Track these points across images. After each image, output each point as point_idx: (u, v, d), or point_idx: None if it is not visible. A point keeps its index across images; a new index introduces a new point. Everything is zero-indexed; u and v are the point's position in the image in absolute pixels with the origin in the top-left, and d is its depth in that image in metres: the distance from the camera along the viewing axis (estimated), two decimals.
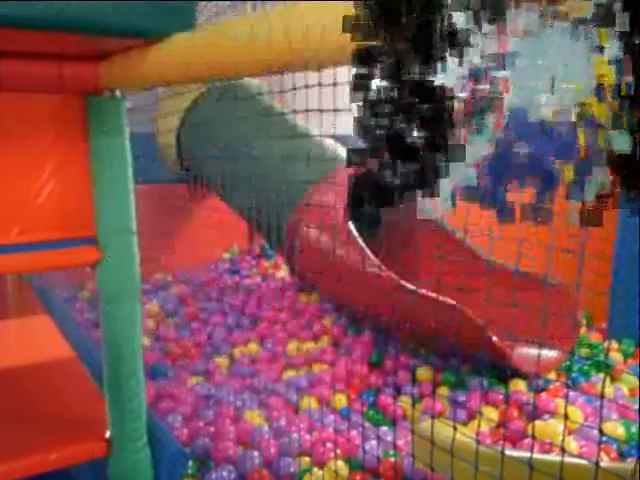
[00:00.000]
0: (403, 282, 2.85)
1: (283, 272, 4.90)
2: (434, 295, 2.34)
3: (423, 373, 3.12)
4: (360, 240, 3.26)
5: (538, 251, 1.15)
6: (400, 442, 2.46)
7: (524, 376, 2.91)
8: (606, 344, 3.47)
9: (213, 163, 3.87)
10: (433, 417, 1.54)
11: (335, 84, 1.29)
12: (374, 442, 2.45)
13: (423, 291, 2.52)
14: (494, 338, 2.70)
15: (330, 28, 0.97)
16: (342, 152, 3.91)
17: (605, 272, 3.45)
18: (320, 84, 1.31)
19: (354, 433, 2.54)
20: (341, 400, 2.88)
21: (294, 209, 3.57)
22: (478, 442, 1.36)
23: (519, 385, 2.90)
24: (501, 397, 2.82)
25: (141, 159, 2.62)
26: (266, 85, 4.38)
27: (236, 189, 3.94)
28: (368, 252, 3.22)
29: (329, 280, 2.84)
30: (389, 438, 2.47)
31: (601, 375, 3.08)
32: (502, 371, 2.92)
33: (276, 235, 3.79)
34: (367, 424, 2.67)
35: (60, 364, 2.46)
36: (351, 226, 3.37)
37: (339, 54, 1.01)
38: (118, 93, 1.77)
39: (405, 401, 2.83)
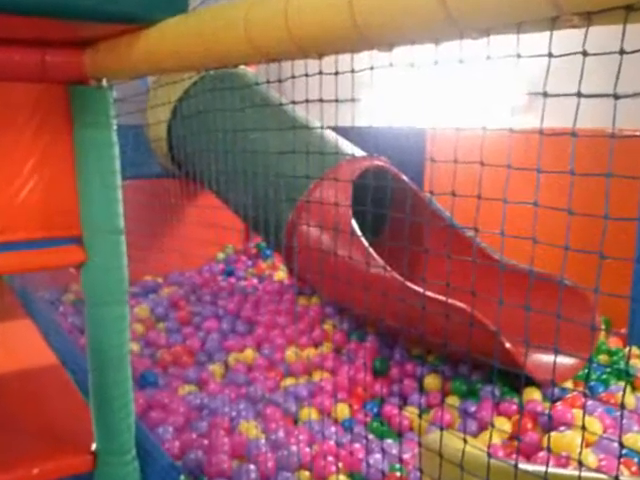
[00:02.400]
0: (409, 284, 2.85)
1: (282, 273, 4.90)
2: (442, 298, 2.34)
3: (431, 381, 3.12)
4: (364, 239, 3.26)
5: (553, 251, 1.15)
6: (406, 456, 2.46)
7: (539, 385, 2.91)
8: (626, 350, 3.46)
9: (207, 157, 3.87)
10: (442, 429, 1.54)
11: (337, 73, 1.29)
12: (378, 455, 2.45)
13: (430, 293, 2.52)
14: (507, 344, 2.70)
15: (332, 13, 0.97)
16: (344, 145, 3.91)
17: (625, 274, 3.45)
18: (321, 72, 1.31)
19: (357, 446, 2.54)
20: (343, 411, 2.87)
21: (294, 206, 3.57)
22: (490, 455, 1.36)
23: (534, 394, 2.90)
24: (514, 407, 2.82)
25: (129, 153, 2.63)
26: (263, 74, 4.38)
27: (232, 185, 3.94)
28: (372, 252, 3.22)
29: (330, 282, 2.83)
30: (394, 451, 2.47)
31: (621, 384, 3.07)
32: (515, 379, 2.92)
33: (274, 234, 3.79)
34: (371, 436, 2.68)
35: (43, 372, 2.46)
36: (354, 225, 3.37)
37: (342, 41, 1.01)
38: (104, 82, 1.78)
39: (412, 411, 2.83)
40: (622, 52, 0.92)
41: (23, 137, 1.75)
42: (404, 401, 3.04)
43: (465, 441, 1.44)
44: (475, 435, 2.67)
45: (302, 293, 4.26)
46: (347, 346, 3.51)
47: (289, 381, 3.20)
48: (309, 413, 2.80)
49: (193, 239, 3.90)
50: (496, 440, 2.58)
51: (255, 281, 4.84)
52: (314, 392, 3.06)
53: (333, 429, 2.68)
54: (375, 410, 2.96)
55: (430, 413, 2.86)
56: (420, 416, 1.85)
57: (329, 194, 3.33)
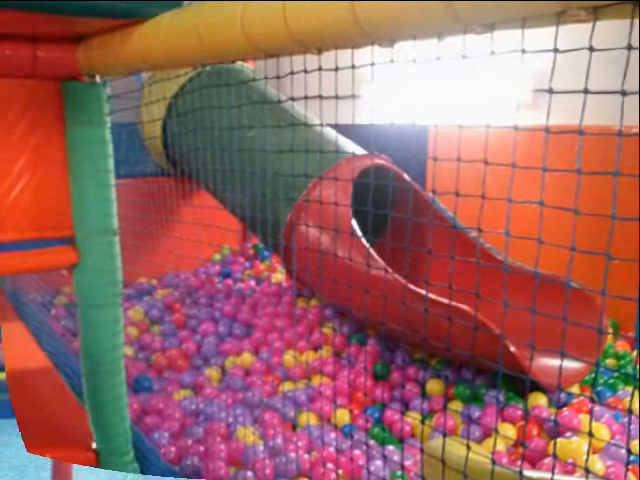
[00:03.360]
0: (411, 286, 2.84)
1: (280, 275, 4.90)
2: (445, 300, 2.34)
3: (434, 386, 3.12)
4: (364, 240, 3.26)
5: (560, 253, 1.15)
6: (408, 462, 2.46)
7: (544, 389, 2.91)
8: (634, 354, 3.46)
9: (203, 155, 3.87)
10: (445, 435, 1.54)
11: (337, 69, 1.29)
12: (379, 462, 2.45)
13: (433, 296, 2.52)
14: (512, 348, 2.70)
15: (332, 7, 0.97)
16: (344, 144, 3.91)
17: (634, 275, 3.44)
18: (320, 68, 1.31)
19: (357, 453, 2.54)
20: (343, 416, 2.87)
21: (292, 206, 3.57)
22: (494, 462, 1.36)
23: (539, 400, 2.89)
24: (519, 413, 2.81)
25: (124, 151, 2.63)
26: (261, 70, 4.38)
27: (228, 184, 3.94)
28: (373, 253, 3.21)
29: (330, 283, 2.83)
30: (396, 458, 2.47)
31: (629, 388, 3.07)
32: (520, 384, 2.92)
33: (272, 235, 3.79)
34: (372, 442, 2.67)
35: (36, 374, 2.47)
36: (355, 225, 3.37)
37: (342, 36, 1.01)
38: (98, 79, 1.78)
39: (414, 417, 2.83)
40: (629, 47, 0.92)
41: (14, 135, 1.75)
42: (406, 406, 3.03)
43: (468, 447, 1.44)
44: (479, 441, 2.67)
45: (301, 295, 4.26)
46: (347, 350, 3.51)
47: (287, 386, 3.20)
48: (308, 419, 2.80)
49: (189, 240, 3.89)
50: (500, 446, 2.58)
51: (252, 283, 4.83)
52: (313, 397, 3.06)
53: (333, 435, 2.68)
54: (376, 415, 2.95)
55: (432, 419, 2.86)
56: (422, 422, 1.85)
57: (328, 194, 3.33)
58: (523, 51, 1.01)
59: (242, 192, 3.75)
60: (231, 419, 2.83)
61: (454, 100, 3.85)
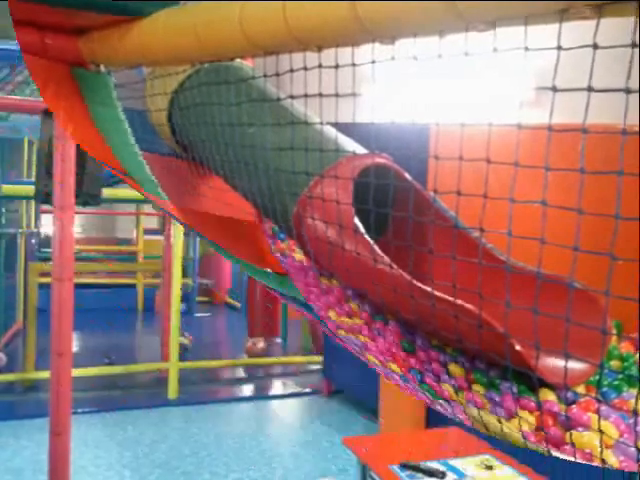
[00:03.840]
0: (417, 283, 2.84)
1: (299, 255, 4.94)
2: (451, 299, 2.35)
3: (455, 369, 3.18)
4: (368, 237, 3.25)
5: (562, 252, 1.15)
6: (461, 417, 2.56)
7: (552, 387, 2.91)
8: (636, 356, 3.44)
9: (209, 148, 3.86)
10: (478, 409, 1.57)
11: (337, 66, 1.28)
12: (439, 408, 2.55)
13: (438, 293, 2.52)
14: (517, 347, 2.70)
15: (332, 4, 0.97)
16: (344, 142, 3.89)
17: (634, 275, 3.41)
18: (320, 66, 1.30)
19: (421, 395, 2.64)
20: (395, 369, 2.97)
21: (296, 201, 3.56)
22: (524, 437, 1.38)
23: (549, 396, 2.90)
24: (533, 404, 2.84)
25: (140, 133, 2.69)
26: (260, 67, 4.35)
27: (236, 178, 3.95)
28: (378, 250, 3.21)
29: (344, 272, 2.87)
30: (448, 411, 2.56)
31: (633, 390, 3.06)
32: (529, 379, 2.93)
33: (283, 221, 3.81)
34: (427, 394, 2.77)
35: None
36: (358, 223, 3.36)
37: (342, 33, 1.01)
38: (103, 68, 1.79)
39: (448, 388, 2.90)
40: (633, 45, 0.91)
41: (45, 97, 1.79)
42: (438, 379, 3.12)
43: (500, 422, 1.48)
44: (507, 420, 2.72)
45: (322, 275, 4.32)
46: (374, 324, 3.58)
47: (341, 333, 3.30)
48: (373, 359, 2.92)
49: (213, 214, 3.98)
50: (525, 427, 2.64)
51: (278, 255, 4.90)
52: (365, 347, 3.17)
53: (396, 376, 2.80)
54: (419, 377, 3.05)
55: (462, 394, 2.93)
56: (456, 393, 1.90)
57: (329, 192, 3.32)
58: (526, 48, 1.00)
59: (249, 182, 3.75)
60: None
61: (456, 98, 3.83)
